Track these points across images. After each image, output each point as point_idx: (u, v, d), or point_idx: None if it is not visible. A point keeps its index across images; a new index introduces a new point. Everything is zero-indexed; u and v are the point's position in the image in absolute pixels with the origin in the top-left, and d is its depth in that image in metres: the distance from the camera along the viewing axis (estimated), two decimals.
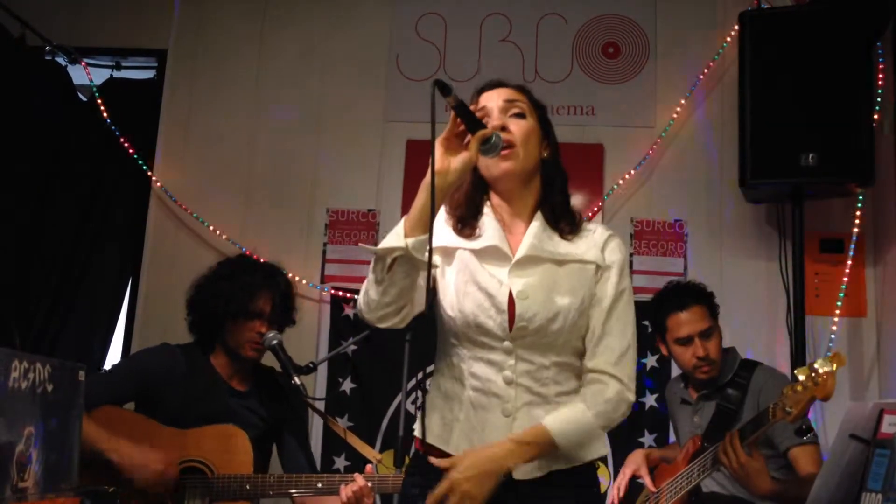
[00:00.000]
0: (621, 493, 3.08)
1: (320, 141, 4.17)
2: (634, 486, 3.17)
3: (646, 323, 3.77)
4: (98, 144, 4.18)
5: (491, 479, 1.79)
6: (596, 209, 3.96)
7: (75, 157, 4.21)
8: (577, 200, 3.95)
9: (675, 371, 3.60)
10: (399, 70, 4.18)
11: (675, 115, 3.95)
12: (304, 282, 3.91)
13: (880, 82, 3.57)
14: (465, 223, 1.95)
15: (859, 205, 3.67)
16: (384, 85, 4.17)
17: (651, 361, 3.77)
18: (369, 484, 2.68)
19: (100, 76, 4.29)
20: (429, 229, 1.75)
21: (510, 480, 1.84)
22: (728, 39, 3.89)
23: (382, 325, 1.86)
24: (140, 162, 4.11)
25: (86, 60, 4.24)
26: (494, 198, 1.99)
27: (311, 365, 2.86)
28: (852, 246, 3.66)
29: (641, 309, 3.70)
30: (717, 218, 3.92)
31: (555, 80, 4.12)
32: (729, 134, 3.73)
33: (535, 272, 1.90)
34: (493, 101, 1.95)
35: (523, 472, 1.85)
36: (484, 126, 1.81)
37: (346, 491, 2.68)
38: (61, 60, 4.27)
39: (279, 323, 2.96)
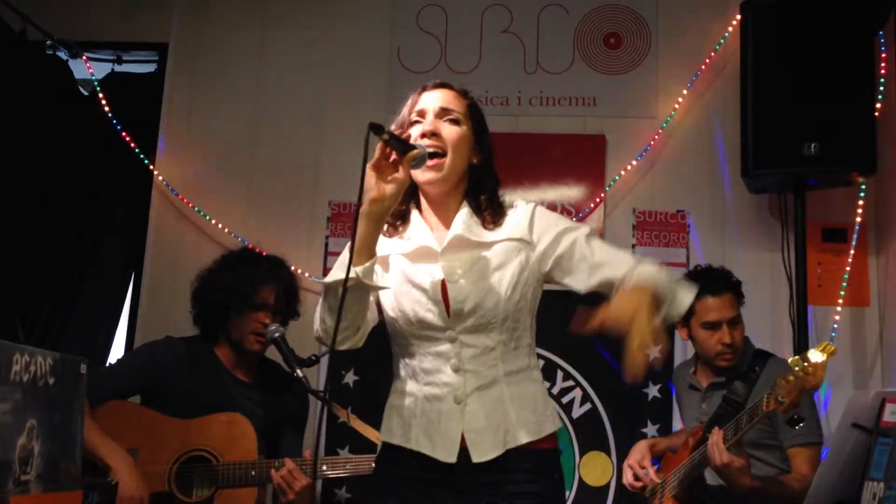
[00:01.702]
0: (636, 483, 3.08)
1: (322, 133, 4.17)
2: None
3: None
4: (100, 139, 4.18)
5: None
6: (598, 200, 3.95)
7: (77, 152, 4.21)
8: (578, 192, 3.99)
9: (678, 362, 3.61)
10: (400, 62, 4.18)
11: (677, 106, 3.94)
12: (306, 274, 3.91)
13: (882, 72, 3.56)
14: (395, 227, 2.04)
15: (862, 194, 3.66)
16: (385, 77, 4.16)
17: (654, 352, 3.76)
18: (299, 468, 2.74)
19: (101, 70, 4.29)
20: (374, 254, 1.86)
21: (467, 465, 1.89)
22: (730, 29, 3.87)
23: (342, 348, 1.93)
24: (142, 156, 4.11)
25: (87, 55, 4.24)
26: (423, 201, 2.06)
27: (313, 357, 2.87)
28: (855, 235, 3.66)
29: None
30: (719, 208, 3.92)
31: (556, 71, 4.11)
32: (731, 124, 3.72)
33: (462, 256, 1.96)
34: (430, 103, 2.01)
35: (480, 454, 1.90)
36: (413, 147, 1.88)
37: (276, 476, 2.73)
38: (62, 55, 4.26)
39: (283, 315, 2.97)
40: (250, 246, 3.87)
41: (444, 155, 1.96)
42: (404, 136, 1.94)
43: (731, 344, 2.94)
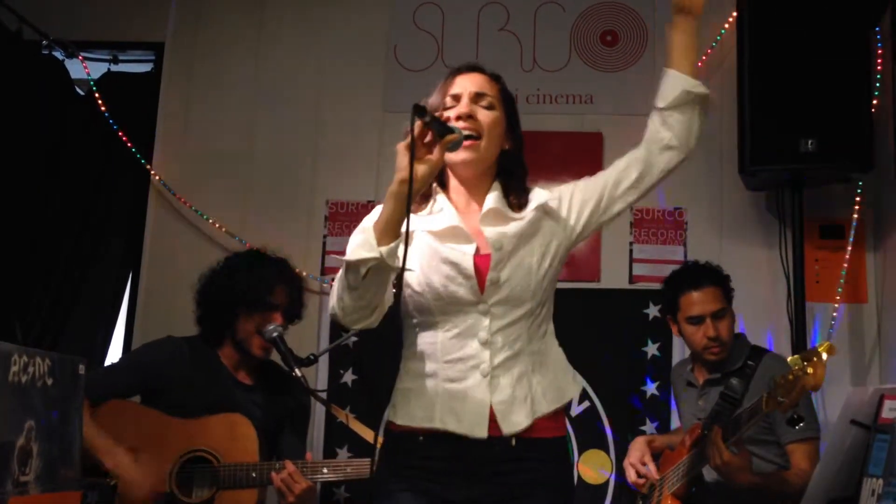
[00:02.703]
0: (640, 480, 3.08)
1: (319, 132, 4.16)
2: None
3: (647, 311, 3.79)
4: (96, 139, 4.17)
5: None
6: None
7: (74, 152, 4.20)
8: None
9: (676, 359, 3.61)
10: (397, 61, 4.17)
11: None
12: (304, 274, 3.90)
13: (878, 67, 3.56)
14: (419, 205, 2.03)
15: (859, 190, 3.66)
16: (382, 75, 4.16)
17: (652, 350, 3.77)
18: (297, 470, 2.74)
19: (97, 70, 4.28)
20: (398, 234, 1.83)
21: (489, 444, 1.90)
22: (727, 25, 3.87)
23: (357, 327, 1.94)
24: (138, 156, 4.10)
25: (83, 54, 4.23)
26: (452, 180, 2.07)
27: (311, 357, 2.87)
28: (852, 232, 3.66)
29: (643, 297, 3.77)
30: (716, 205, 3.92)
31: (553, 68, 4.11)
32: (728, 120, 3.71)
33: (502, 226, 1.99)
34: (465, 87, 2.03)
35: (511, 425, 1.91)
36: (451, 130, 1.88)
37: (276, 479, 2.73)
38: (58, 55, 4.25)
39: (289, 317, 2.97)
40: (248, 245, 3.86)
41: (479, 138, 1.98)
42: (442, 118, 1.94)
43: (716, 337, 2.94)
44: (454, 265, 1.94)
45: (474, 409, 1.91)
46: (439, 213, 2.02)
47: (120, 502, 2.65)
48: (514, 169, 2.07)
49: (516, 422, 1.91)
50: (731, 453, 2.59)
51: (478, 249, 1.98)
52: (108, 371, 2.99)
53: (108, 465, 2.63)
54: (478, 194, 2.05)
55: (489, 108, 2.02)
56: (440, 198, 2.05)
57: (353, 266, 1.83)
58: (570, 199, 2.06)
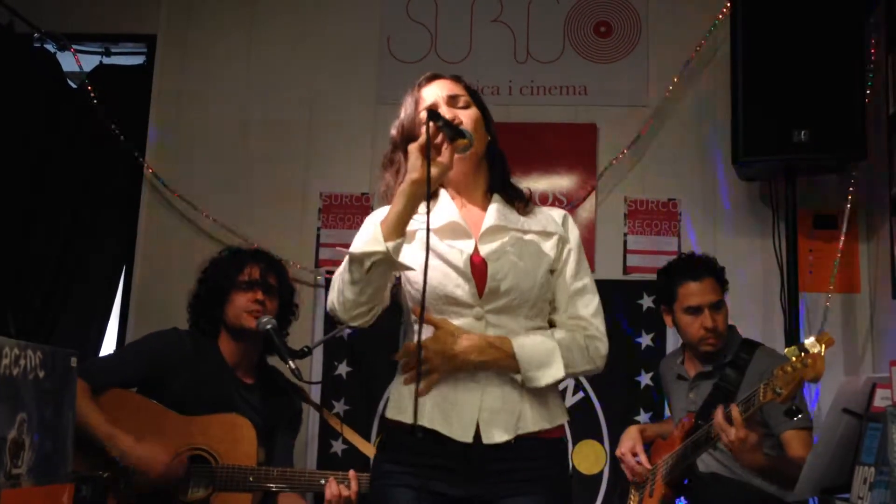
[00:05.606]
0: (636, 472, 3.07)
1: (312, 125, 4.15)
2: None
3: (640, 302, 3.79)
4: (89, 132, 4.15)
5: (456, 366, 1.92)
6: (590, 189, 3.95)
7: (66, 146, 4.19)
8: (570, 181, 3.99)
9: (670, 350, 3.61)
10: (390, 52, 4.16)
11: (667, 94, 3.94)
12: (298, 266, 3.91)
13: (872, 57, 3.56)
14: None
15: (852, 180, 3.67)
16: (375, 67, 4.15)
17: (646, 340, 3.78)
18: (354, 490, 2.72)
19: (89, 63, 4.26)
20: (405, 233, 1.88)
21: (479, 447, 1.89)
22: (720, 16, 3.87)
23: (354, 324, 1.94)
24: (131, 148, 4.09)
25: (75, 47, 4.21)
26: (449, 183, 2.08)
27: (305, 349, 2.85)
28: (845, 222, 3.67)
29: (637, 288, 3.78)
30: (710, 196, 3.92)
31: (547, 60, 4.10)
32: (722, 111, 3.72)
33: (502, 238, 2.00)
34: (436, 94, 2.05)
35: (492, 436, 1.90)
36: (462, 134, 1.92)
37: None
38: (50, 48, 4.24)
39: (278, 295, 2.95)
40: (242, 239, 3.86)
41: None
42: (455, 122, 1.95)
43: (714, 328, 2.94)
44: (454, 266, 1.95)
45: (463, 414, 1.90)
46: (440, 209, 2.03)
47: (136, 484, 2.64)
48: (497, 157, 2.12)
49: (498, 434, 1.90)
50: (746, 429, 2.57)
51: (478, 249, 1.98)
52: (113, 358, 2.99)
53: (113, 454, 2.62)
54: (475, 190, 2.08)
55: (466, 106, 2.05)
56: (442, 194, 2.06)
57: (357, 259, 1.84)
58: (567, 249, 2.07)
